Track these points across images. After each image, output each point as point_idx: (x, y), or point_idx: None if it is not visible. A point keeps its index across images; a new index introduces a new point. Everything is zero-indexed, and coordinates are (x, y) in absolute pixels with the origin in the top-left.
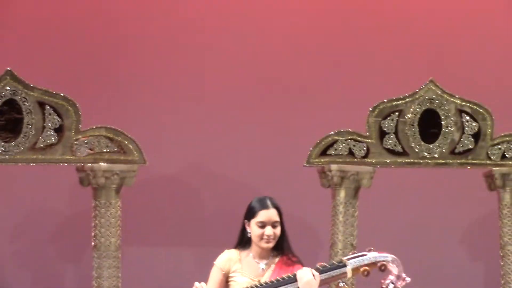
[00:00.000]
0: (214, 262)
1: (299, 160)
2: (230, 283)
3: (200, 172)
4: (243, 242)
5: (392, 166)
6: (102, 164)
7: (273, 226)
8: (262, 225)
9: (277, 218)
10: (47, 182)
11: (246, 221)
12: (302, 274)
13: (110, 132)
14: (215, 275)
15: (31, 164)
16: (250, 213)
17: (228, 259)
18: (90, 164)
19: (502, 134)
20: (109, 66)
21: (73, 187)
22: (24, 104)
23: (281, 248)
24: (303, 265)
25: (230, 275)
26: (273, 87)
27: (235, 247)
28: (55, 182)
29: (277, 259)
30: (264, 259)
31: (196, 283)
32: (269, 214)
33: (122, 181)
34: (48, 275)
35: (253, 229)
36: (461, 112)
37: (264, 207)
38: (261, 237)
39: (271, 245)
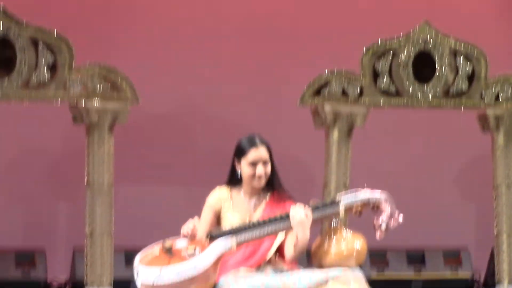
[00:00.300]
0: (206, 199)
1: (292, 100)
2: (222, 220)
3: (193, 111)
4: (234, 179)
5: (386, 107)
6: (95, 102)
7: (264, 163)
8: (253, 163)
9: (267, 156)
10: (40, 120)
11: (236, 159)
12: (295, 212)
13: (103, 70)
14: (206, 212)
15: (24, 102)
16: (240, 152)
17: (219, 197)
18: (83, 102)
19: (496, 76)
20: (104, 3)
21: (66, 125)
22: (17, 41)
23: (272, 185)
24: (294, 202)
25: (222, 212)
26: (267, 26)
27: (226, 184)
28: (48, 120)
29: (268, 196)
30: (255, 196)
31: (190, 219)
32: (259, 152)
33: (115, 119)
34: (40, 213)
35: (243, 168)
36: (455, 53)
37: (254, 145)
38: (252, 176)
39: (262, 183)
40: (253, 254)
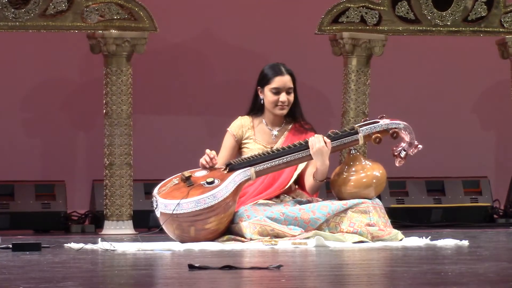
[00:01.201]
0: (227, 129)
1: (310, 28)
2: (243, 149)
3: (211, 40)
4: (256, 108)
5: (405, 34)
6: (113, 31)
7: (287, 92)
8: (277, 91)
9: (291, 85)
10: (58, 50)
11: (259, 87)
12: (314, 141)
13: None
14: (228, 141)
15: (42, 31)
16: (264, 80)
17: (241, 125)
18: (100, 31)
19: None
20: None
21: (84, 55)
22: None
23: (293, 115)
24: (316, 133)
25: (243, 141)
26: None
27: (248, 114)
28: (65, 50)
29: (290, 126)
30: (277, 126)
31: (207, 150)
32: (284, 80)
33: (133, 48)
34: (59, 143)
35: (267, 95)
36: None
37: (279, 73)
38: (275, 103)
39: (285, 111)
40: (273, 183)
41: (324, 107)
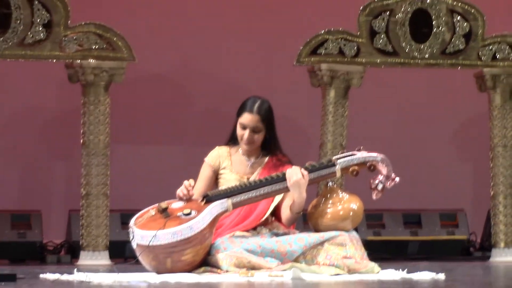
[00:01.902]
0: (204, 159)
1: (289, 59)
2: (219, 179)
3: (190, 71)
4: (234, 138)
5: (383, 66)
6: (91, 60)
7: (253, 131)
8: (243, 127)
9: (258, 124)
10: (36, 79)
11: (236, 118)
12: (291, 173)
13: (99, 28)
14: (205, 172)
15: (20, 60)
16: (239, 111)
17: (218, 155)
18: (79, 61)
19: (493, 35)
20: None
21: (61, 84)
22: None
23: (269, 150)
24: (292, 165)
25: (220, 171)
26: None
27: (226, 143)
28: (43, 79)
29: (266, 158)
30: (254, 157)
31: (185, 182)
32: (249, 118)
33: (111, 78)
34: (36, 172)
35: (237, 127)
36: (452, 12)
37: (249, 110)
38: (240, 138)
39: (248, 148)
40: (249, 215)
41: (302, 139)
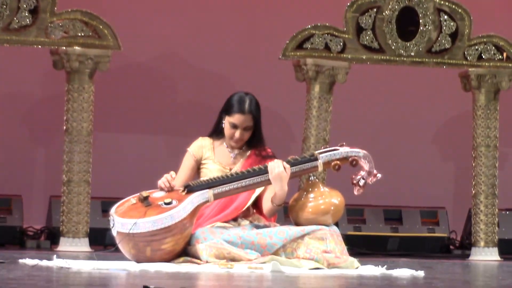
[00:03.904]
0: (187, 149)
1: (274, 53)
2: (202, 170)
3: (174, 61)
4: (217, 131)
5: (368, 63)
6: (76, 48)
7: (245, 129)
8: (234, 126)
9: (250, 123)
10: (20, 64)
11: (223, 114)
12: (273, 166)
13: (85, 16)
14: (187, 161)
15: (5, 45)
16: (227, 110)
17: (201, 145)
18: (64, 48)
19: (480, 35)
20: None
21: (46, 70)
22: None
23: (253, 143)
24: (275, 159)
25: (202, 162)
26: None
27: (210, 135)
28: (28, 65)
29: (249, 151)
30: (237, 149)
31: (166, 175)
32: (243, 118)
33: (96, 66)
34: (18, 157)
35: (226, 125)
36: (439, 11)
37: (241, 111)
38: (231, 136)
39: (238, 145)
40: (229, 205)
41: (285, 132)
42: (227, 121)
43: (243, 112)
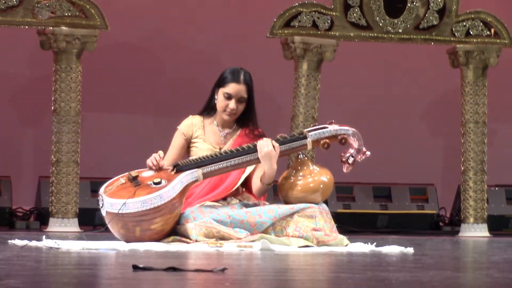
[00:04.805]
0: (177, 127)
1: (262, 31)
2: (192, 148)
3: (162, 40)
4: (209, 108)
5: (356, 40)
6: (64, 28)
7: (239, 101)
8: (228, 96)
9: (244, 95)
10: (7, 45)
11: (216, 88)
12: (262, 145)
13: None
14: (177, 140)
15: None
16: (221, 82)
17: (191, 124)
18: (51, 28)
19: (467, 11)
20: None
21: (33, 51)
22: None
23: (245, 122)
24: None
25: (192, 140)
26: None
27: (200, 114)
28: (15, 45)
29: (239, 130)
30: (227, 128)
31: (154, 154)
32: (238, 88)
33: (83, 45)
34: (6, 138)
35: (219, 98)
36: None
37: (235, 80)
38: (224, 108)
39: (231, 118)
40: (219, 185)
41: (274, 111)
42: (220, 93)
43: (238, 81)
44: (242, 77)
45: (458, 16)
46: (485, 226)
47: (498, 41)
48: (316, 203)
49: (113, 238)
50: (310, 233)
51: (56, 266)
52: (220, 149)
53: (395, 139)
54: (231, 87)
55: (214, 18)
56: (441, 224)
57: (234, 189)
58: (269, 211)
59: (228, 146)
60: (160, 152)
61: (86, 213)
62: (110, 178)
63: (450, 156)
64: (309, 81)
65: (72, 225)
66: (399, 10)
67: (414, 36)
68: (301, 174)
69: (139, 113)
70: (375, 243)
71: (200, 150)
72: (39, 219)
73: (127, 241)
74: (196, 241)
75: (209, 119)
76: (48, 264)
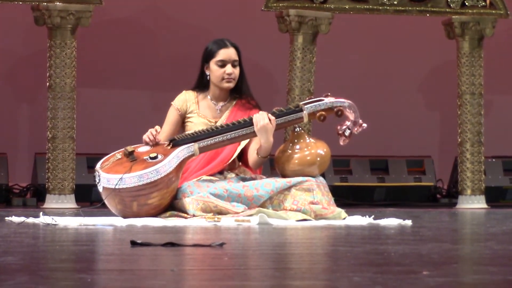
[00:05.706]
0: (172, 103)
1: (257, 4)
2: (187, 123)
3: (157, 15)
4: (201, 86)
5: (351, 12)
6: (58, 3)
7: (233, 65)
8: (222, 64)
9: (236, 57)
10: (2, 21)
11: (205, 64)
12: (259, 118)
13: None
14: (171, 115)
15: None
16: (209, 54)
17: (185, 99)
18: (45, 3)
19: None
20: None
21: (28, 27)
22: None
23: (239, 91)
24: (260, 110)
25: (187, 115)
26: None
27: (193, 89)
28: (9, 21)
29: (234, 102)
30: (222, 101)
31: (150, 129)
32: (228, 52)
33: (78, 21)
34: (1, 115)
35: (213, 69)
36: None
37: (223, 46)
38: (222, 77)
39: (232, 84)
40: (215, 158)
41: (270, 84)
42: (213, 64)
43: (226, 46)
44: (228, 42)
45: None
46: (482, 197)
47: (493, 11)
48: (313, 176)
49: (110, 214)
50: (307, 206)
51: (54, 242)
52: (215, 123)
53: (391, 111)
54: (222, 53)
55: None
56: (438, 196)
57: (229, 161)
58: (266, 185)
59: (224, 118)
60: (157, 127)
61: (83, 189)
62: (107, 154)
63: (447, 128)
64: (305, 54)
65: (69, 201)
66: None
67: (410, 8)
68: (297, 147)
69: (134, 88)
70: (373, 216)
71: (195, 125)
72: (35, 195)
73: (124, 216)
74: (194, 215)
75: (203, 93)
76: (46, 240)
